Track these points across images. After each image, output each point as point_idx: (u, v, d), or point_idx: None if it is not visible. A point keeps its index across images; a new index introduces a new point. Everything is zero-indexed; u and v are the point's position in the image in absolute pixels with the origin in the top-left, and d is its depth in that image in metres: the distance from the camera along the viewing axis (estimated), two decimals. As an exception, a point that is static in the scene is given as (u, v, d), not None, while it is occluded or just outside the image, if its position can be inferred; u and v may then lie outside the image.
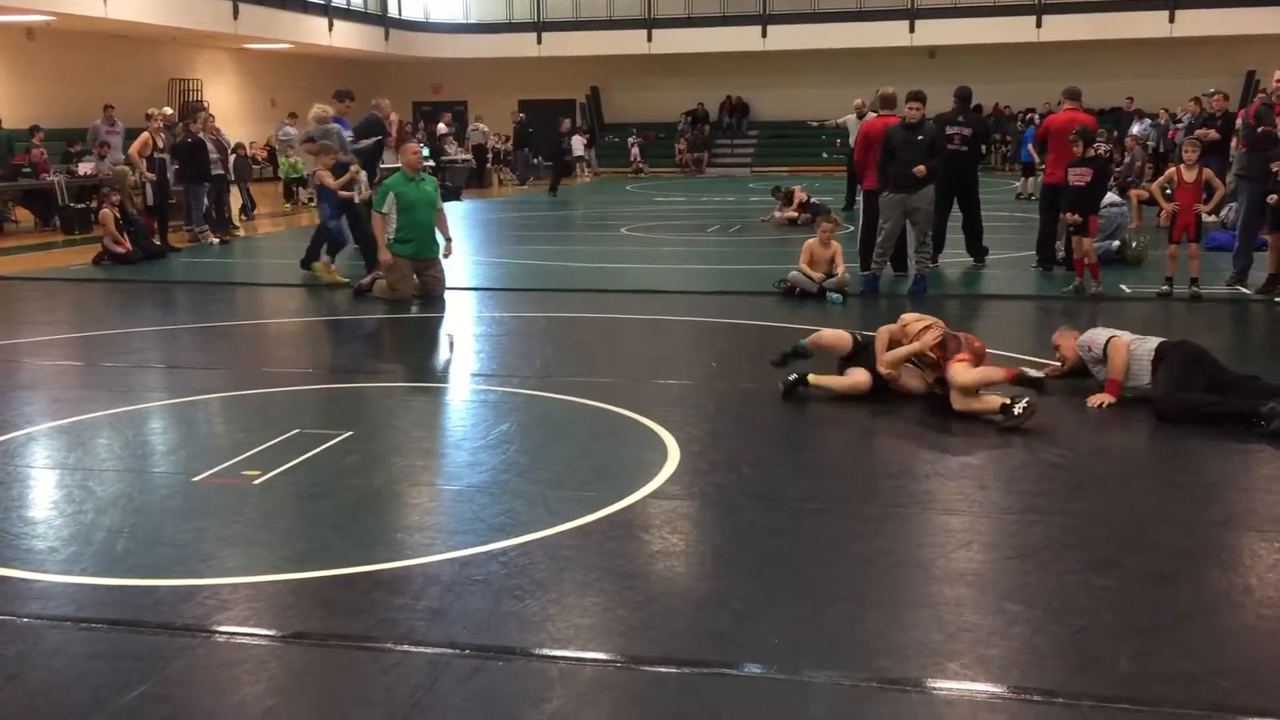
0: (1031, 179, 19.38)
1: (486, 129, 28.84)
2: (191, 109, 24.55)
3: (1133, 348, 6.34)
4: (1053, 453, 5.44)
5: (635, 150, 33.60)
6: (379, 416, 6.50)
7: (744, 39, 32.37)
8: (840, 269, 10.15)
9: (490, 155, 29.27)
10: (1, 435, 5.89)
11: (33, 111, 21.93)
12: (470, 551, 4.24)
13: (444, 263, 10.60)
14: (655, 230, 16.65)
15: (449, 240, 10.63)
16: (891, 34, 31.82)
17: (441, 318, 9.77)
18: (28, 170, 17.03)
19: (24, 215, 17.74)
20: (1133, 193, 10.99)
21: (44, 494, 5.12)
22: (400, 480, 5.22)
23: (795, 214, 16.31)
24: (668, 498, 4.84)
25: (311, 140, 11.65)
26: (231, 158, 18.11)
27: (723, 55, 33.00)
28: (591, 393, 6.60)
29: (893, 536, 4.43)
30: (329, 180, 11.22)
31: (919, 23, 31.80)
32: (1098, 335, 6.60)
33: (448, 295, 10.53)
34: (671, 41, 33.11)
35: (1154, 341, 6.37)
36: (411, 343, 9.12)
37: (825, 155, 31.57)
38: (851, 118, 16.61)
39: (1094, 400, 6.28)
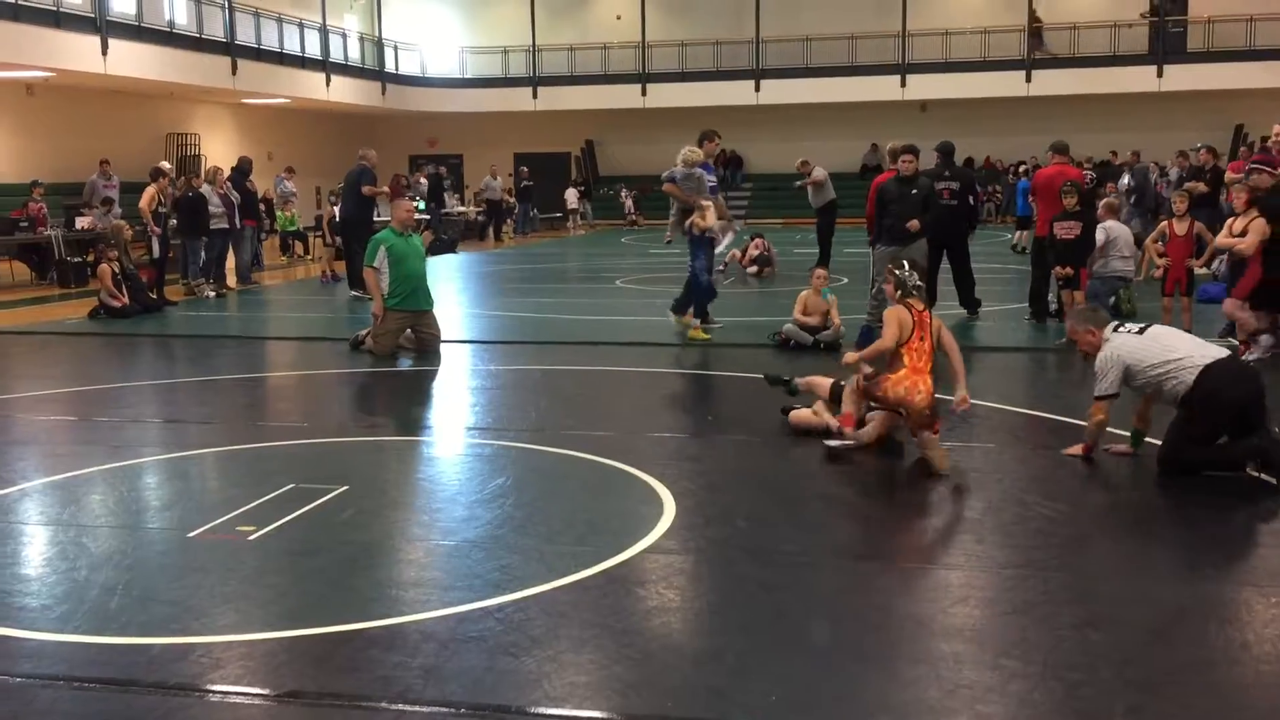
0: (1026, 232, 19.53)
1: (499, 183, 28.62)
2: (189, 164, 24.73)
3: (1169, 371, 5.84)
4: (1050, 506, 5.43)
5: (629, 202, 33.83)
6: (374, 470, 6.49)
7: (737, 93, 32.73)
8: (835, 320, 10.18)
9: (501, 209, 29.03)
10: (-5, 491, 5.87)
11: (32, 166, 22.07)
12: (466, 608, 4.22)
13: (438, 315, 10.63)
14: (650, 282, 16.73)
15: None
16: (883, 88, 32.22)
17: (437, 370, 9.78)
18: (25, 224, 17.10)
19: (20, 269, 17.80)
20: (1148, 243, 11.08)
21: (37, 551, 5.10)
22: (395, 535, 5.21)
23: (743, 264, 16.92)
24: (664, 552, 4.82)
25: (673, 181, 10.90)
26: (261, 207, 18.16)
27: (716, 109, 33.35)
28: (586, 446, 6.59)
29: (890, 591, 4.42)
30: (709, 218, 10.64)
31: (910, 77, 32.20)
32: (1114, 361, 6.02)
33: (446, 349, 10.55)
34: (666, 96, 33.46)
35: (1201, 357, 5.83)
36: (407, 396, 9.12)
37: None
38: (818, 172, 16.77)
39: (1068, 451, 6.23)
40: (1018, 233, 21.10)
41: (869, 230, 11.79)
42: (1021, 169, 29.03)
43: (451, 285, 17.22)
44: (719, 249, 11.02)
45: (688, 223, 10.72)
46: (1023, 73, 31.43)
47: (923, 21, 32.43)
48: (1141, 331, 6.07)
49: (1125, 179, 21.05)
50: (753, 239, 17.77)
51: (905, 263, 6.48)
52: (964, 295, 12.07)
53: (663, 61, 33.84)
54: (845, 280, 14.83)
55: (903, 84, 32.26)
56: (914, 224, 9.86)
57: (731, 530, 5.16)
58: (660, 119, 34.48)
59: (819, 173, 16.62)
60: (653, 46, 34.05)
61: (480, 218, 28.51)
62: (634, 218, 33.30)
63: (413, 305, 10.29)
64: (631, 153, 36.07)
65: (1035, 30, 31.83)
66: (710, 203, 10.89)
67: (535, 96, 34.50)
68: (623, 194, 34.10)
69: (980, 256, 12.69)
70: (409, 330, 10.32)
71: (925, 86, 32.05)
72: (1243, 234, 9.10)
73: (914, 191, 10.02)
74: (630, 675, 3.66)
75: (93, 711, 3.49)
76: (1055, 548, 4.90)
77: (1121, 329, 6.14)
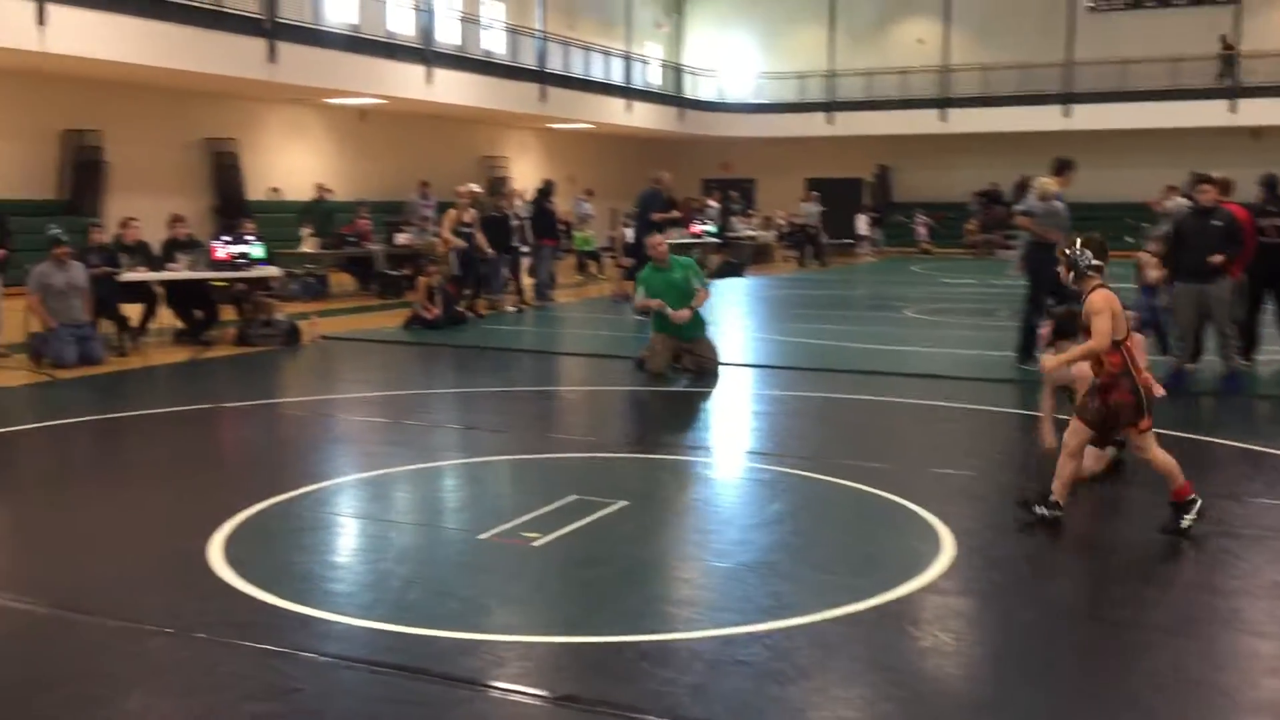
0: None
1: (817, 209, 28.51)
2: (496, 185, 26.22)
3: None
4: (1383, 578, 4.89)
5: (922, 230, 33.07)
6: (654, 488, 6.65)
7: (1044, 118, 31.36)
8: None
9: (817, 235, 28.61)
10: (314, 484, 6.42)
11: (360, 186, 24.13)
12: (735, 631, 4.25)
13: (713, 339, 10.75)
14: (940, 313, 16.29)
15: (692, 311, 10.56)
16: (1209, 113, 29.98)
17: (718, 392, 9.90)
18: (352, 239, 18.67)
19: (346, 280, 19.41)
20: None
21: (347, 542, 5.55)
22: (670, 553, 5.32)
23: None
24: (940, 593, 4.68)
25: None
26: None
27: (1020, 134, 32.11)
28: (866, 478, 6.49)
29: (1190, 655, 4.10)
30: (1152, 271, 10.01)
31: (1242, 101, 29.83)
32: None
33: (727, 371, 10.68)
34: (966, 120, 32.54)
35: None
36: (688, 416, 9.29)
37: (1129, 239, 29.94)
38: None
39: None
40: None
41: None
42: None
43: (737, 309, 17.41)
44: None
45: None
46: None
47: (1257, 41, 30.01)
48: None
49: None
50: None
51: (1078, 240, 5.83)
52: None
53: (964, 85, 32.95)
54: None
55: (1232, 109, 29.93)
56: (1217, 259, 9.10)
57: (1014, 576, 4.95)
58: (959, 144, 33.57)
59: (1176, 202, 15.43)
60: (955, 70, 33.22)
61: (782, 242, 28.66)
62: (926, 246, 32.51)
63: (682, 334, 10.49)
64: (927, 179, 35.28)
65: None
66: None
67: (830, 121, 34.39)
68: (916, 221, 33.39)
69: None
70: (685, 354, 10.51)
71: (1260, 111, 29.55)
72: None
73: (1214, 223, 9.25)
74: (899, 715, 3.58)
75: (386, 695, 3.75)
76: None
77: None
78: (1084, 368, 5.91)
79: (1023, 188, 31.88)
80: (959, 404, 9.26)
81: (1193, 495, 5.47)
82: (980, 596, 4.70)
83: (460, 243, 15.37)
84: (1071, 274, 5.66)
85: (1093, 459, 6.34)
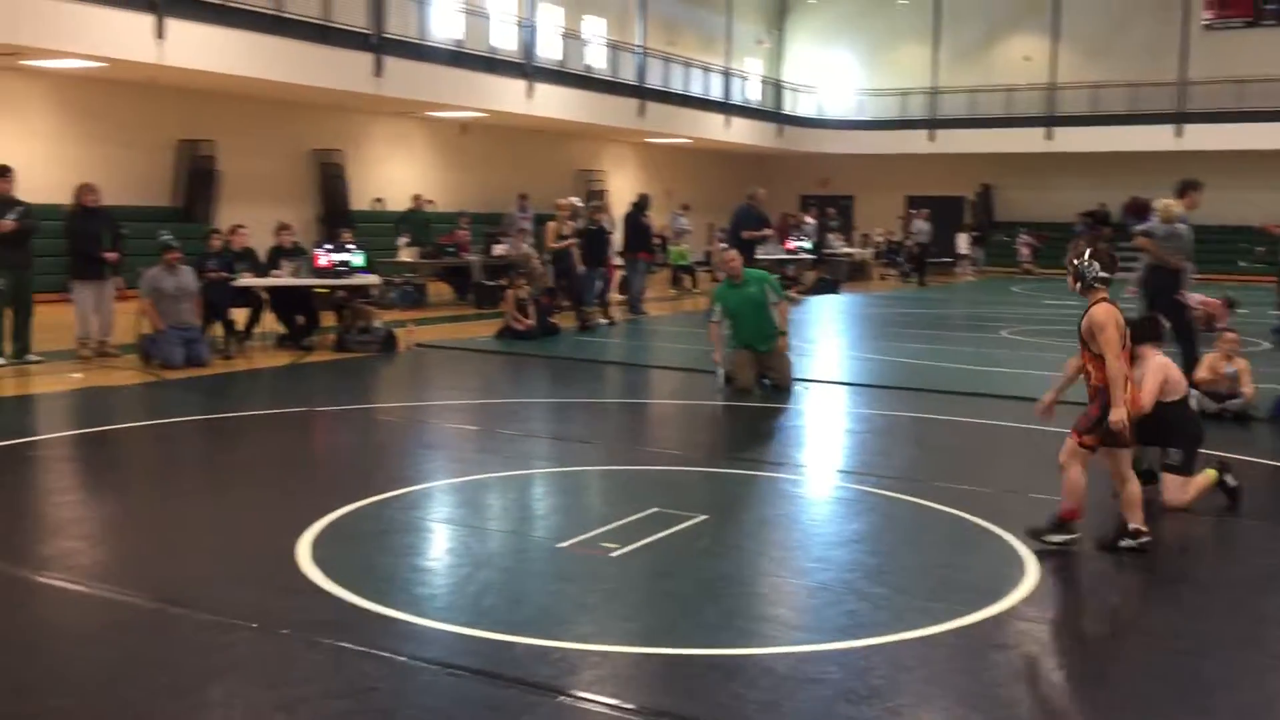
0: None
1: (929, 227, 28.09)
2: (591, 198, 26.47)
3: None
4: None
5: (1024, 250, 32.43)
6: (733, 502, 6.65)
7: (1155, 138, 30.56)
8: (1247, 389, 9.26)
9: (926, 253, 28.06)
10: (402, 488, 6.56)
11: (460, 197, 24.58)
12: (808, 648, 4.23)
13: (790, 354, 10.71)
14: (1039, 334, 15.97)
15: (783, 334, 10.61)
16: (1332, 133, 28.93)
17: (802, 409, 9.84)
18: (450, 250, 19.00)
19: (444, 289, 19.76)
20: None
21: (432, 545, 5.66)
22: (747, 568, 5.31)
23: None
24: (1020, 619, 4.60)
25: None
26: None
27: (1129, 154, 31.34)
28: (951, 500, 6.40)
29: (1279, 690, 3.97)
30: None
31: (1369, 121, 28.70)
32: None
33: (817, 388, 10.62)
34: (1073, 140, 31.88)
35: None
36: (773, 432, 9.25)
37: (1242, 264, 29.01)
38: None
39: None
40: None
41: None
42: None
43: (831, 326, 17.30)
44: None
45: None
46: None
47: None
48: None
49: None
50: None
51: (1087, 251, 5.67)
52: None
53: (1071, 104, 32.27)
54: (1265, 345, 13.46)
55: (1362, 128, 28.79)
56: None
57: (1099, 604, 4.85)
58: (1065, 164, 32.89)
59: None
60: (1062, 88, 32.57)
61: (880, 259, 28.39)
62: (1028, 266, 31.87)
63: (755, 347, 10.49)
64: (1030, 198, 34.61)
65: None
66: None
67: (932, 138, 33.97)
68: (1019, 241, 32.77)
69: None
70: (764, 369, 10.49)
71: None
72: None
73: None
74: (970, 741, 3.53)
75: (459, 697, 3.82)
76: None
77: None
78: (1147, 393, 6.00)
79: (1134, 209, 31.07)
80: (1053, 428, 9.07)
81: (1076, 526, 5.43)
82: (1061, 624, 4.61)
83: (563, 244, 15.39)
84: (1078, 284, 5.60)
85: (1178, 489, 6.18)
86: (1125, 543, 5.42)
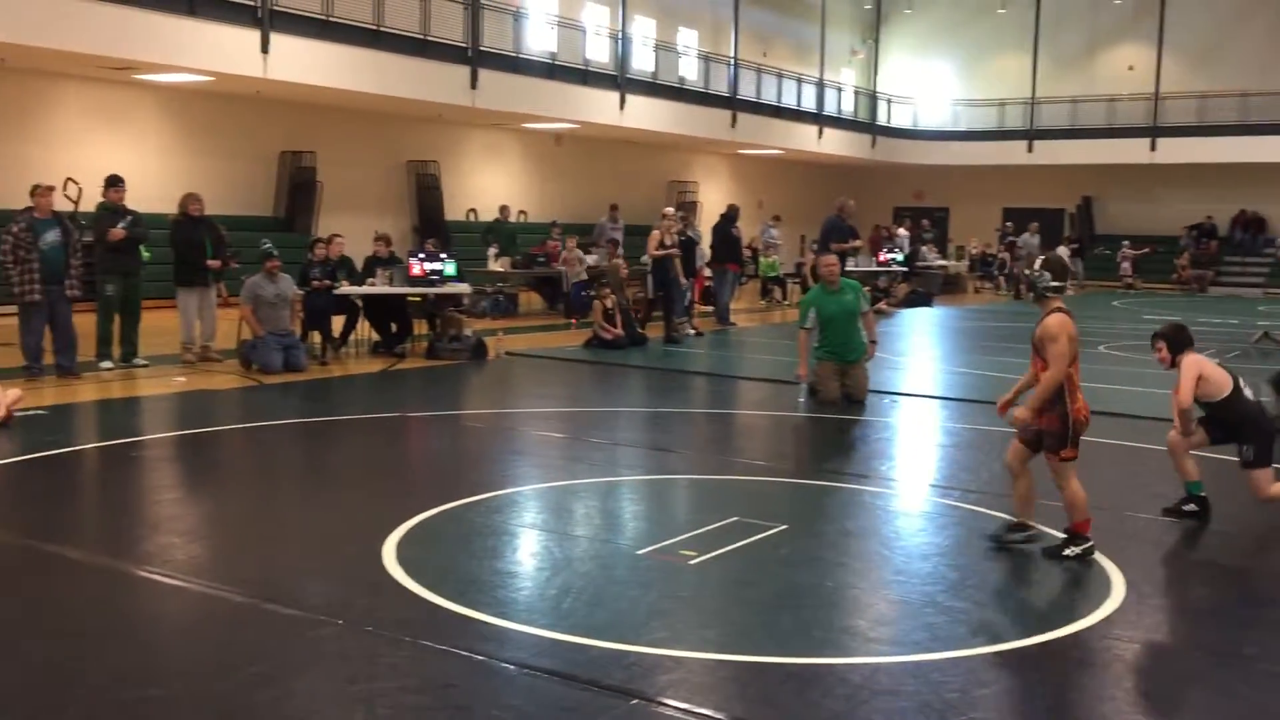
0: None
1: (1037, 241, 27.62)
2: (684, 208, 26.53)
3: None
4: None
5: (1126, 264, 31.65)
6: (814, 513, 6.63)
7: (1265, 149, 29.60)
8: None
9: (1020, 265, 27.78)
10: (487, 492, 6.68)
11: (553, 208, 24.86)
12: (884, 660, 4.22)
13: (869, 367, 10.61)
14: (1138, 350, 15.56)
15: (873, 343, 10.59)
16: None
17: (887, 421, 9.76)
18: (541, 260, 19.23)
19: (535, 299, 19.99)
20: None
21: (512, 548, 5.75)
22: (825, 579, 5.30)
23: None
24: (1104, 636, 4.52)
25: None
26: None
27: (1238, 165, 30.41)
28: (1038, 515, 6.29)
29: (1374, 721, 3.84)
30: None
31: None
32: None
33: (904, 401, 10.51)
34: (1178, 151, 31.02)
35: None
36: (856, 444, 9.19)
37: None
38: None
39: None
40: None
41: None
42: None
43: (924, 339, 17.10)
44: None
45: None
46: None
47: None
48: None
49: None
50: None
51: (1040, 260, 5.59)
52: None
53: (1176, 114, 31.43)
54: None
55: None
56: None
57: (1187, 625, 4.74)
58: (1170, 175, 32.06)
59: None
60: (1167, 98, 31.75)
61: (974, 272, 27.98)
62: (1130, 280, 31.10)
63: (841, 357, 10.40)
64: (1133, 210, 33.76)
65: None
66: None
67: (1030, 150, 33.36)
68: (1121, 254, 31.99)
69: None
70: (845, 380, 10.40)
71: None
72: None
73: None
74: (1046, 758, 3.49)
75: (534, 697, 3.89)
76: None
77: None
78: (1184, 391, 6.01)
79: (1240, 223, 30.16)
80: (1148, 444, 8.86)
81: (1089, 536, 5.41)
82: (1145, 644, 4.51)
83: (668, 250, 15.40)
84: (1031, 295, 5.59)
85: (1265, 484, 6.13)
86: (1069, 551, 5.44)
